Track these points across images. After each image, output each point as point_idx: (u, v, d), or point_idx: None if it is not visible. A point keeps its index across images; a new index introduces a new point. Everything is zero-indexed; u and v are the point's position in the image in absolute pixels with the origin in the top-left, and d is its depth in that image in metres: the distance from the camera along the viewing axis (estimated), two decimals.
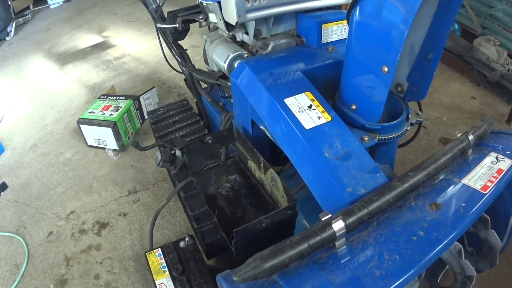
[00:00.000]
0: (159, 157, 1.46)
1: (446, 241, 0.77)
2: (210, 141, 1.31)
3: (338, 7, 1.42)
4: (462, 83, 2.72)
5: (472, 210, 0.83)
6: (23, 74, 3.35)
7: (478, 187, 0.88)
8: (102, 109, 2.28)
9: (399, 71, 1.18)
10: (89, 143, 2.29)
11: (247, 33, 1.33)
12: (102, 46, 3.68)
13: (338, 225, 0.75)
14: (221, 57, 1.39)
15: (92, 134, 2.22)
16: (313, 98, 1.10)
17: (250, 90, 1.21)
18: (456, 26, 2.92)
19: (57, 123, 2.59)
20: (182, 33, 1.68)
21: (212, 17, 1.42)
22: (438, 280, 1.06)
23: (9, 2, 4.10)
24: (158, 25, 1.67)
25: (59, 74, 3.26)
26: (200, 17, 1.49)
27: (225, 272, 0.74)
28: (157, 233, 1.72)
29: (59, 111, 2.72)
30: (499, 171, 0.92)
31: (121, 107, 2.27)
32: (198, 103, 1.91)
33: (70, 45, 3.79)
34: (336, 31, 1.34)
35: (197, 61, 2.93)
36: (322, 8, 1.37)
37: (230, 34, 1.39)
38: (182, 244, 1.35)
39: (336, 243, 0.76)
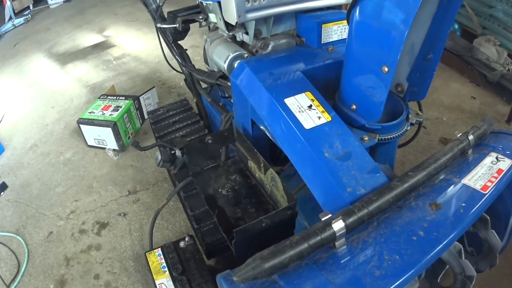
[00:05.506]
0: (159, 157, 1.46)
1: (446, 241, 0.77)
2: (210, 141, 1.31)
3: (338, 7, 1.42)
4: (462, 83, 2.72)
5: (472, 210, 0.83)
6: (23, 74, 3.35)
7: (478, 187, 0.88)
8: (102, 109, 2.28)
9: (399, 71, 1.18)
10: (89, 143, 2.29)
11: (247, 33, 1.33)
12: (102, 46, 3.68)
13: (338, 225, 0.75)
14: (221, 57, 1.39)
15: (92, 134, 2.22)
16: (313, 98, 1.10)
17: (250, 90, 1.21)
18: (456, 26, 2.92)
19: (57, 123, 2.59)
20: (182, 33, 1.68)
21: (212, 17, 1.42)
22: (438, 280, 1.06)
23: None
24: (158, 25, 1.67)
25: (59, 74, 3.26)
26: (200, 17, 1.49)
27: (225, 272, 0.74)
28: (157, 233, 1.72)
29: (59, 111, 2.72)
30: (499, 171, 0.92)
31: (121, 107, 2.27)
32: (198, 103, 1.91)
33: (70, 45, 3.79)
34: (336, 31, 1.34)
35: (197, 61, 2.92)
36: (322, 8, 1.37)
37: (230, 34, 1.39)
38: (182, 244, 1.35)
39: (336, 243, 0.76)
